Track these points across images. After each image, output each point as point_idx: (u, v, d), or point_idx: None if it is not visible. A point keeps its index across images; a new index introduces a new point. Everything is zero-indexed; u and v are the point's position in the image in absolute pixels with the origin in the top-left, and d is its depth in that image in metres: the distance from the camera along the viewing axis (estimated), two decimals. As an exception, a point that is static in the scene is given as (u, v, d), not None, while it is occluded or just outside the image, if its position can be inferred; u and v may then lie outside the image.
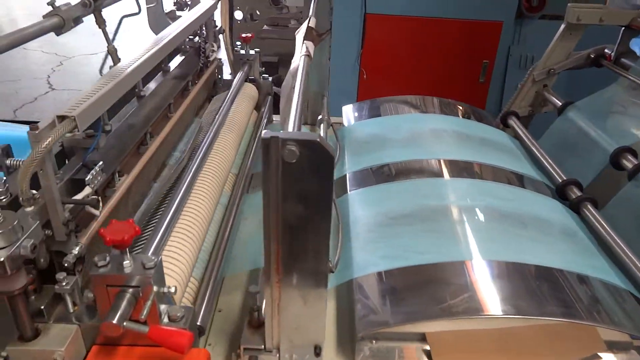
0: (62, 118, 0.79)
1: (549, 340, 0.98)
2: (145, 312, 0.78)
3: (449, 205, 1.31)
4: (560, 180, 1.52)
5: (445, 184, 1.41)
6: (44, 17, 1.22)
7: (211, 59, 1.84)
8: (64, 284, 0.82)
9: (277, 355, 0.88)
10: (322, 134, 1.76)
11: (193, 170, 1.18)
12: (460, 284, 1.03)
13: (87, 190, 0.88)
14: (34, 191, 0.79)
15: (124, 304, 0.78)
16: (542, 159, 1.66)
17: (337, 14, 3.21)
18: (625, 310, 1.04)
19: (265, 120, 1.83)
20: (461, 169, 1.47)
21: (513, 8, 3.11)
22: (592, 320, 0.98)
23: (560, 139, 1.77)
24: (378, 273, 1.09)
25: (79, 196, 0.87)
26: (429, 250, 1.13)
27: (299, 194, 0.73)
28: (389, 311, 1.00)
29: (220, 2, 1.86)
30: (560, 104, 1.86)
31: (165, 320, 0.84)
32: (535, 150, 1.71)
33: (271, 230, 0.77)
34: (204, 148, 1.29)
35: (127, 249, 0.78)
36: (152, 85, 1.44)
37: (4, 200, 0.79)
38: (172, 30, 1.37)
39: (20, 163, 0.89)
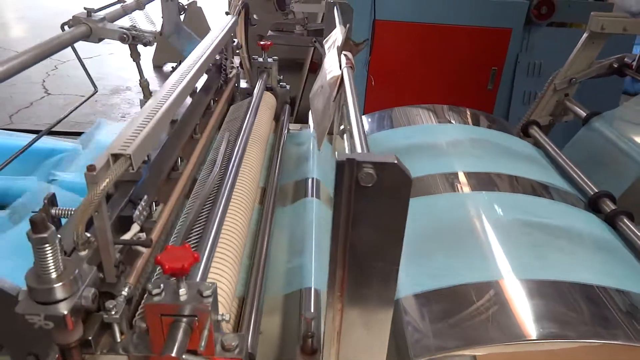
0: (116, 156, 0.75)
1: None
2: (203, 342, 0.74)
3: (484, 220, 1.27)
4: (592, 193, 1.49)
5: (478, 197, 1.38)
6: (66, 24, 1.18)
7: (231, 75, 1.79)
8: (113, 312, 0.77)
9: (334, 383, 0.84)
10: (346, 144, 1.72)
11: (228, 187, 1.14)
12: (509, 305, 1.00)
13: (136, 227, 0.84)
14: (88, 234, 0.74)
15: (180, 334, 0.73)
16: (569, 170, 1.63)
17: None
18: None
19: (286, 130, 1.79)
20: (492, 182, 1.44)
21: (522, 15, 3.10)
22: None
23: (587, 149, 1.75)
24: (423, 294, 1.05)
25: (127, 235, 0.83)
26: (469, 269, 1.10)
27: (372, 218, 0.69)
28: (443, 334, 0.96)
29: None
30: (585, 114, 1.84)
31: (218, 348, 0.80)
32: (561, 161, 1.68)
33: (338, 255, 0.73)
34: (235, 163, 1.24)
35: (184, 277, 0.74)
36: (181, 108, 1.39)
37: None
38: (202, 52, 1.32)
39: (67, 212, 0.84)
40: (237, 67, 1.91)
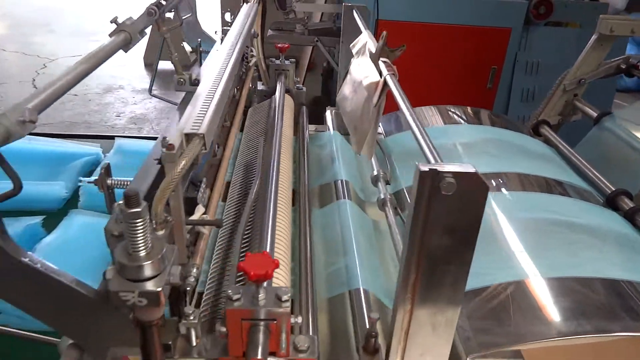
0: (189, 136, 0.76)
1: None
2: (284, 345, 0.77)
3: (514, 220, 1.32)
4: (609, 191, 1.55)
5: (503, 198, 1.42)
6: (110, 35, 1.18)
7: (250, 64, 1.80)
8: (191, 317, 0.80)
9: (397, 381, 0.88)
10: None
11: (273, 190, 1.16)
12: (550, 301, 1.05)
13: (201, 209, 0.86)
14: (166, 214, 0.76)
15: (261, 338, 0.76)
16: (584, 168, 1.69)
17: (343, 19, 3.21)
18: None
19: (307, 133, 1.81)
20: (514, 182, 1.49)
21: (522, 15, 3.17)
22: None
23: (599, 148, 1.81)
24: (466, 293, 1.09)
25: (195, 216, 0.85)
26: (507, 268, 1.14)
27: (449, 225, 0.73)
28: (491, 332, 1.00)
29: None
30: (596, 114, 1.90)
31: (291, 350, 0.83)
32: (576, 160, 1.74)
33: (412, 260, 0.76)
34: (275, 167, 1.26)
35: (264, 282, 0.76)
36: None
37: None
38: (235, 38, 1.33)
39: (122, 183, 0.87)
40: (256, 56, 1.92)
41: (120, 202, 0.70)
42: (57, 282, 0.69)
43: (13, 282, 0.68)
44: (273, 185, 1.18)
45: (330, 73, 4.30)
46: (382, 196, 1.41)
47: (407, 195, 1.48)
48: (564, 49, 3.34)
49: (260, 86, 2.03)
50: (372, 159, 1.64)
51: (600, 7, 3.36)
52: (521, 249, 1.16)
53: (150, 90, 2.13)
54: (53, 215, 1.59)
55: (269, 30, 3.71)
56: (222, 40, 1.65)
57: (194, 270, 0.83)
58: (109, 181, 0.87)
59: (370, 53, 1.30)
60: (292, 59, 1.96)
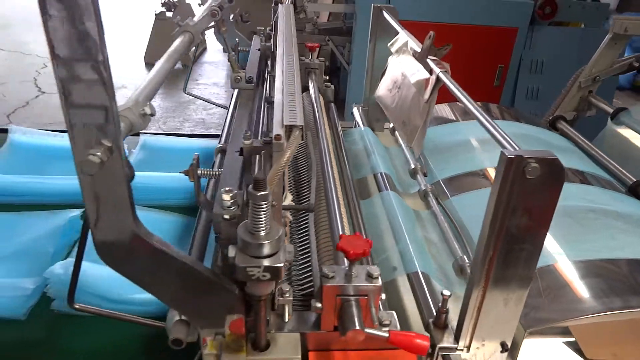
0: (290, 128, 0.83)
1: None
2: (376, 318, 0.84)
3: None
4: (631, 181, 1.65)
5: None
6: (174, 36, 1.24)
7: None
8: (287, 295, 0.86)
9: (468, 353, 0.96)
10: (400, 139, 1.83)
11: (332, 183, 1.23)
12: (597, 280, 1.13)
13: (289, 195, 0.93)
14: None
15: (356, 312, 0.83)
16: (604, 161, 1.79)
17: (360, 17, 3.29)
18: None
19: (340, 128, 1.88)
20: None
21: (528, 15, 3.27)
22: None
23: (615, 142, 1.91)
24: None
25: (286, 202, 0.92)
26: (556, 250, 1.22)
27: (528, 206, 0.80)
28: (546, 308, 1.08)
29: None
30: (612, 109, 2.00)
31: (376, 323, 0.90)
32: (595, 153, 1.84)
33: (491, 239, 0.84)
34: (328, 160, 1.33)
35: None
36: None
37: (234, 209, 0.82)
38: (290, 35, 1.39)
39: (211, 173, 0.94)
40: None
41: (223, 190, 0.78)
42: (181, 263, 0.75)
43: (143, 263, 0.74)
44: (331, 176, 1.25)
45: (335, 72, 4.37)
46: (423, 187, 1.49)
47: (443, 186, 1.56)
48: (567, 48, 3.46)
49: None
50: (406, 153, 1.72)
51: (602, 8, 3.48)
52: (565, 233, 1.24)
53: (184, 88, 2.17)
54: None
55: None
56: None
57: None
58: (198, 171, 0.94)
59: (415, 52, 1.38)
60: (322, 58, 2.02)
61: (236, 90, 1.80)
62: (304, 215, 1.13)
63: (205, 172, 0.95)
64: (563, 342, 1.11)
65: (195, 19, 1.24)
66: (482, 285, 0.89)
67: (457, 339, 0.95)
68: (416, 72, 1.31)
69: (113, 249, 0.73)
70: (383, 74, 1.63)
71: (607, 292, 1.11)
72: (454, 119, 2.02)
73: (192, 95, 3.72)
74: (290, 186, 1.34)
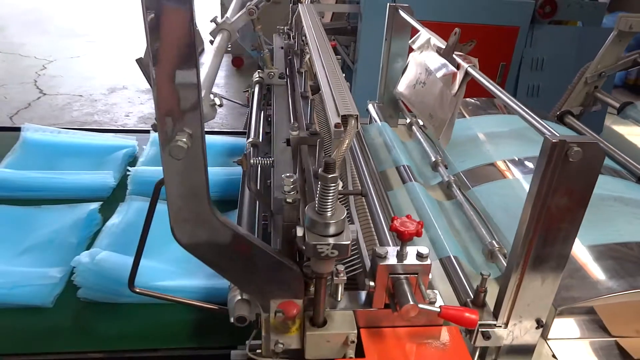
0: (345, 118, 0.88)
1: None
2: (426, 294, 0.90)
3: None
4: (640, 172, 1.72)
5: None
6: (212, 34, 1.29)
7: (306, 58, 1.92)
8: (341, 275, 0.92)
9: (506, 329, 1.02)
10: (417, 133, 1.90)
11: (366, 171, 1.29)
12: (618, 262, 1.20)
13: (340, 182, 0.98)
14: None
15: (408, 289, 0.89)
16: (612, 152, 1.86)
17: (366, 16, 3.36)
18: None
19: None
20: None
21: (529, 14, 3.35)
22: None
23: (622, 134, 1.99)
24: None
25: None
26: (581, 235, 1.29)
27: (569, 188, 0.86)
28: (575, 288, 1.15)
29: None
30: (618, 104, 2.08)
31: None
32: (603, 146, 1.91)
33: (533, 219, 0.90)
34: (359, 155, 1.39)
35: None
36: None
37: (293, 194, 0.88)
38: (320, 33, 1.44)
39: (264, 161, 0.99)
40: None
41: (285, 176, 0.83)
42: (251, 244, 0.81)
43: (217, 244, 0.79)
44: (364, 167, 1.31)
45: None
46: (446, 179, 1.55)
47: (464, 177, 1.62)
48: (566, 45, 3.55)
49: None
50: (426, 147, 1.78)
51: (600, 6, 3.58)
52: (587, 219, 1.31)
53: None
54: (104, 202, 1.72)
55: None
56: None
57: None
58: (252, 160, 0.99)
59: (439, 48, 1.44)
60: (339, 56, 2.08)
61: (256, 88, 1.86)
62: (343, 201, 1.19)
63: (258, 161, 1.00)
64: (589, 320, 1.18)
65: (232, 17, 1.29)
66: (521, 264, 0.95)
67: (495, 316, 1.01)
68: (442, 67, 1.37)
69: (190, 232, 0.78)
70: (404, 70, 1.68)
71: (631, 272, 1.17)
72: (466, 115, 2.08)
73: (221, 96, 3.75)
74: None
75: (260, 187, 1.14)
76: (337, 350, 0.90)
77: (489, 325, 1.01)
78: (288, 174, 0.86)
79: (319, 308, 0.88)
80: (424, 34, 1.57)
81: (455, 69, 1.33)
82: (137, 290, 0.97)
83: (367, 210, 1.19)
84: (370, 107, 2.13)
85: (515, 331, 1.03)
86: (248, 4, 1.33)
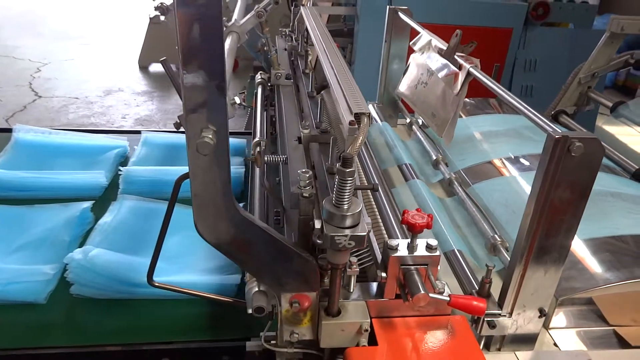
0: (358, 116, 0.91)
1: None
2: (435, 284, 0.94)
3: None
4: (633, 168, 1.78)
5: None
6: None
7: (311, 58, 1.96)
8: (354, 267, 0.96)
9: (510, 318, 1.06)
10: (417, 131, 1.94)
11: (371, 169, 1.33)
12: (615, 254, 1.25)
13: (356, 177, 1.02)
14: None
15: (418, 279, 0.93)
16: (608, 151, 1.92)
17: (362, 18, 3.40)
18: None
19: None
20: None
21: (522, 16, 3.42)
22: None
23: (615, 132, 2.05)
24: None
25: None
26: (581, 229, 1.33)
27: (571, 181, 0.91)
28: (574, 279, 1.19)
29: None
30: (611, 104, 2.14)
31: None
32: (598, 144, 1.97)
33: (537, 212, 0.94)
34: (364, 153, 1.43)
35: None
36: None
37: (309, 189, 0.91)
38: (325, 34, 1.48)
39: (276, 159, 1.03)
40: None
41: (301, 171, 0.87)
42: (271, 237, 0.84)
43: (239, 237, 0.83)
44: (369, 164, 1.35)
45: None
46: (448, 176, 1.60)
47: (464, 175, 1.66)
48: (558, 47, 3.62)
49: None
50: (426, 146, 1.83)
51: (591, 9, 3.65)
52: (590, 214, 1.35)
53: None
54: (96, 201, 1.74)
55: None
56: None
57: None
58: (265, 158, 1.02)
59: (440, 49, 1.49)
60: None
61: (259, 89, 1.90)
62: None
63: (272, 159, 1.04)
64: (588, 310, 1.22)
65: (241, 20, 1.32)
66: (525, 255, 0.99)
67: (500, 306, 1.05)
68: (444, 68, 1.42)
69: (213, 225, 0.81)
70: (405, 71, 1.73)
71: (627, 264, 1.22)
72: (463, 115, 2.13)
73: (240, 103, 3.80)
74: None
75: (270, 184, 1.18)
76: (351, 338, 0.94)
77: (494, 315, 1.05)
78: (304, 170, 0.90)
79: (334, 298, 0.92)
80: (425, 36, 1.62)
81: (457, 70, 1.37)
82: (156, 284, 1.00)
83: (373, 204, 1.23)
84: (370, 107, 2.17)
85: (519, 320, 1.07)
86: (256, 6, 1.37)
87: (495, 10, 3.36)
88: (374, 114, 2.13)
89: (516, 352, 1.08)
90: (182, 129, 1.21)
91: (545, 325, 1.17)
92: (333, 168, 1.00)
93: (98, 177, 1.89)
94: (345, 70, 1.15)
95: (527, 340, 1.09)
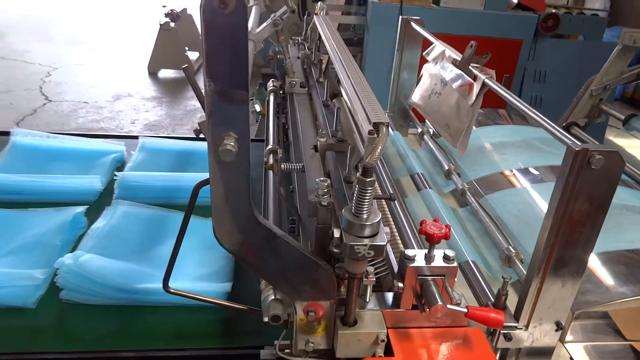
0: (377, 125, 0.91)
1: None
2: (453, 295, 0.93)
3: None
4: (647, 181, 1.77)
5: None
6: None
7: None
8: (371, 276, 0.95)
9: (526, 331, 1.05)
10: (424, 141, 1.94)
11: (386, 179, 1.33)
12: (631, 268, 1.24)
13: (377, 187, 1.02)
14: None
15: (436, 290, 0.92)
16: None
17: (372, 28, 3.42)
18: None
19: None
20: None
21: (532, 28, 3.42)
22: None
23: (626, 146, 2.04)
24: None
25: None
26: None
27: (590, 193, 0.90)
28: (590, 292, 1.18)
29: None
30: (623, 116, 2.13)
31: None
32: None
33: (556, 224, 0.94)
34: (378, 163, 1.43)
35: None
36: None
37: (327, 197, 0.91)
38: (340, 43, 1.49)
39: (293, 166, 1.03)
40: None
41: (320, 180, 0.87)
42: (289, 245, 0.84)
43: (256, 245, 0.83)
44: (383, 174, 1.35)
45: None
46: (460, 186, 1.59)
47: (476, 185, 1.66)
48: (568, 59, 3.62)
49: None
50: (438, 155, 1.82)
51: (601, 21, 3.65)
52: (605, 227, 1.35)
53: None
54: (90, 206, 1.73)
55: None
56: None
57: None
58: (282, 166, 1.02)
59: (454, 60, 1.49)
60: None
61: (272, 97, 1.90)
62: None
63: (289, 167, 1.04)
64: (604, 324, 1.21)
65: (257, 28, 1.33)
66: (543, 268, 0.98)
67: (516, 318, 1.04)
68: (459, 78, 1.42)
69: (231, 232, 0.81)
70: (418, 81, 1.73)
71: (643, 278, 1.21)
72: (475, 125, 2.13)
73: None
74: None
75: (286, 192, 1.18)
76: (367, 349, 0.93)
77: (510, 327, 1.04)
78: (322, 178, 0.90)
79: (351, 308, 0.91)
80: (439, 46, 1.62)
81: (471, 80, 1.37)
82: (172, 290, 1.00)
83: (388, 214, 1.23)
84: (382, 116, 2.18)
85: (535, 333, 1.06)
86: (272, 15, 1.38)
87: (506, 22, 3.37)
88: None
89: (532, 366, 1.08)
90: (201, 135, 1.22)
91: (561, 339, 1.16)
92: (350, 177, 1.00)
93: (93, 182, 1.87)
94: (361, 79, 1.15)
95: (543, 354, 1.08)
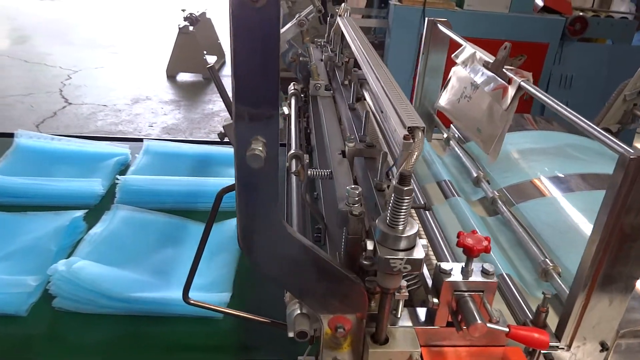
0: (412, 130, 0.85)
1: None
2: (492, 313, 0.87)
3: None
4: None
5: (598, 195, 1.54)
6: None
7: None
8: (403, 291, 0.89)
9: (569, 351, 0.98)
10: (453, 147, 1.87)
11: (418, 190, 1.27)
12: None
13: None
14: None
15: (474, 307, 0.86)
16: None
17: (394, 31, 3.36)
18: None
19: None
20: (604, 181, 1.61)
21: (559, 31, 3.33)
22: None
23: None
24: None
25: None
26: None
27: (644, 205, 0.83)
28: (634, 310, 1.10)
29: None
30: (659, 121, 2.04)
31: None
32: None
33: (604, 238, 0.87)
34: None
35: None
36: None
37: (358, 206, 0.85)
38: (367, 45, 1.44)
39: (321, 172, 0.98)
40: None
41: (350, 188, 0.81)
42: (317, 257, 0.79)
43: (283, 255, 0.77)
44: (415, 180, 1.28)
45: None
46: (490, 194, 1.52)
47: (507, 194, 1.59)
48: (595, 63, 3.51)
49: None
50: (465, 161, 1.75)
51: (630, 24, 3.54)
52: None
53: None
54: (91, 210, 1.68)
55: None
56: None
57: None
58: (309, 172, 0.97)
59: (486, 62, 1.42)
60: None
61: (293, 100, 1.85)
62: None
63: (315, 172, 0.99)
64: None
65: (281, 29, 1.28)
66: (589, 284, 0.91)
67: (558, 337, 0.97)
68: (491, 81, 1.35)
69: (258, 241, 0.76)
70: (446, 84, 1.67)
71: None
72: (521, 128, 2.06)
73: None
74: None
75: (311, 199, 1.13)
76: (399, 368, 0.87)
77: (552, 347, 0.98)
78: (353, 186, 0.84)
79: (382, 325, 0.85)
80: (469, 48, 1.55)
81: (505, 84, 1.31)
82: (192, 301, 0.95)
83: (418, 223, 1.16)
84: (405, 121, 2.11)
85: (578, 354, 0.99)
86: (297, 15, 1.33)
87: (532, 25, 3.28)
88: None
89: (574, 389, 1.00)
90: (226, 139, 1.18)
91: (604, 360, 1.08)
92: (382, 184, 0.95)
93: (94, 185, 1.82)
94: (391, 81, 1.09)
95: (585, 376, 1.01)
